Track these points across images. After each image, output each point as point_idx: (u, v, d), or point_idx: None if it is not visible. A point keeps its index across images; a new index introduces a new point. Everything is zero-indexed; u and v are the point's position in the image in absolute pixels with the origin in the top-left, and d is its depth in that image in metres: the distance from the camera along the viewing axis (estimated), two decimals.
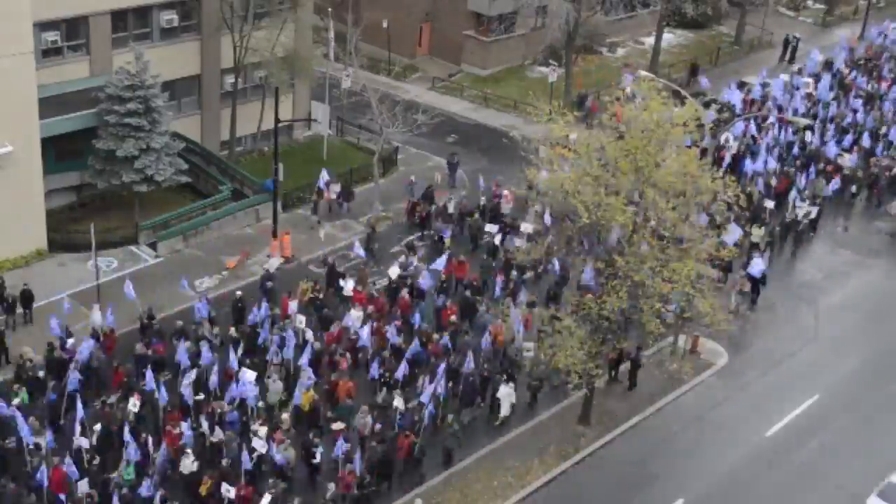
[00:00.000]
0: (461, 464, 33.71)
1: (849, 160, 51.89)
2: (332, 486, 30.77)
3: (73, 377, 33.42)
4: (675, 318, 36.22)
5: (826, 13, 79.32)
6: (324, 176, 46.89)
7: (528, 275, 41.92)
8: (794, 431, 36.44)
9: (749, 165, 50.07)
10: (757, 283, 42.65)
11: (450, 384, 35.22)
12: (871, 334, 42.05)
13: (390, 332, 36.90)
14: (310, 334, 36.65)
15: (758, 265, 42.59)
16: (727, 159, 49.96)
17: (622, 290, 31.98)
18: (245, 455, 30.79)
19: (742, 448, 35.52)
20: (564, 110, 33.96)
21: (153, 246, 43.61)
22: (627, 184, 31.92)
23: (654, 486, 33.66)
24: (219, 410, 32.97)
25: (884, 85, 61.53)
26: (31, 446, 31.28)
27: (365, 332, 36.52)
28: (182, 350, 34.79)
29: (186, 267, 42.47)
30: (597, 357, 33.46)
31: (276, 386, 34.33)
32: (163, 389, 33.16)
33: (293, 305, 37.82)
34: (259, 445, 31.37)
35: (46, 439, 31.47)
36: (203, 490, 30.26)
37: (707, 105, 55.37)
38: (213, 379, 33.98)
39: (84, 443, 31.43)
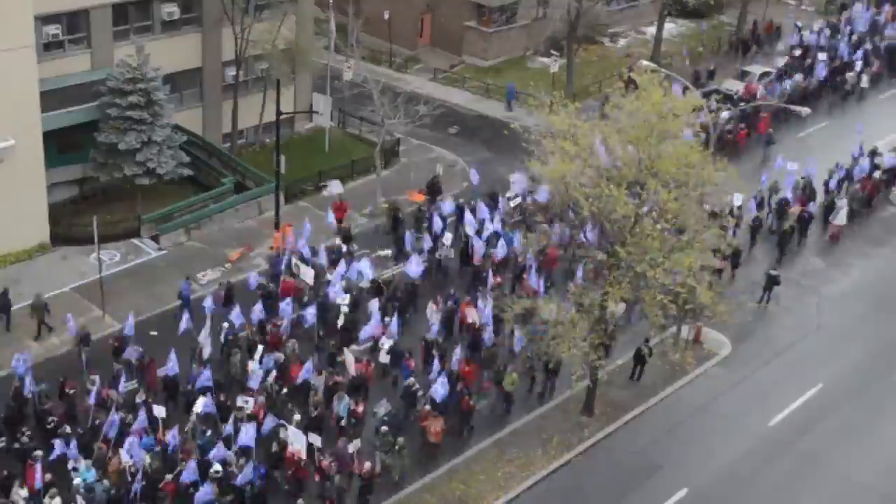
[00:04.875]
0: (464, 455, 33.77)
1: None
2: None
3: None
4: (677, 308, 36.22)
5: (828, 1, 79.09)
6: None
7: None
8: (797, 421, 36.48)
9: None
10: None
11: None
12: (875, 323, 42.04)
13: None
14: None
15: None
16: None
17: (624, 282, 32.00)
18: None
19: (746, 438, 35.56)
20: (565, 101, 33.92)
21: (156, 239, 43.62)
22: (629, 175, 31.91)
23: (657, 476, 33.70)
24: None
25: None
26: None
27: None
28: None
29: (189, 259, 42.48)
30: (599, 348, 33.50)
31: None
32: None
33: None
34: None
35: None
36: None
37: (708, 95, 55.30)
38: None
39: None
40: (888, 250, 47.52)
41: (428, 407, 33.49)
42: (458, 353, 35.78)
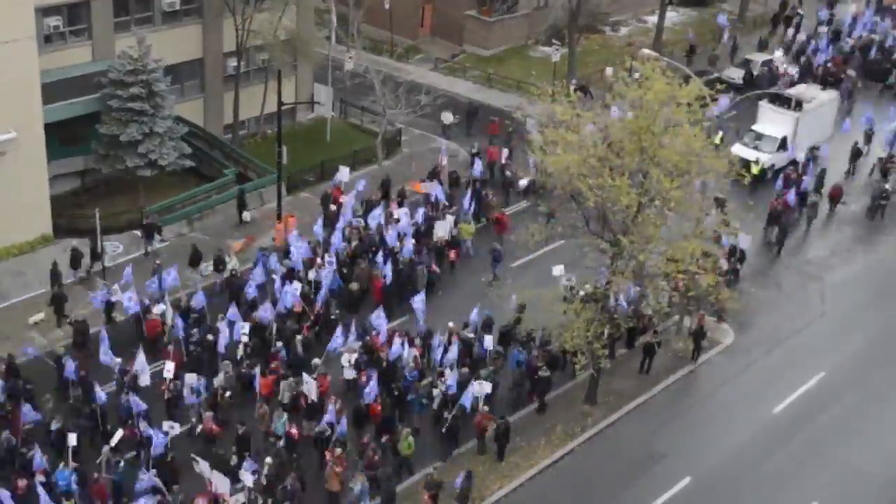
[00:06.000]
0: (467, 445, 33.77)
1: None
2: None
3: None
4: (680, 297, 36.19)
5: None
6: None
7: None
8: (801, 408, 36.51)
9: None
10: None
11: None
12: (878, 311, 42.03)
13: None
14: None
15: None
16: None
17: (627, 271, 31.99)
18: None
19: (749, 426, 35.59)
20: (567, 91, 33.86)
21: (158, 230, 43.57)
22: (632, 164, 31.86)
23: (661, 465, 33.74)
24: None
25: None
26: None
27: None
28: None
29: (191, 251, 42.41)
30: (602, 337, 33.50)
31: None
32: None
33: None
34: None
35: None
36: None
37: (711, 84, 55.18)
38: None
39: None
40: (892, 238, 47.47)
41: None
42: (372, 387, 33.43)
